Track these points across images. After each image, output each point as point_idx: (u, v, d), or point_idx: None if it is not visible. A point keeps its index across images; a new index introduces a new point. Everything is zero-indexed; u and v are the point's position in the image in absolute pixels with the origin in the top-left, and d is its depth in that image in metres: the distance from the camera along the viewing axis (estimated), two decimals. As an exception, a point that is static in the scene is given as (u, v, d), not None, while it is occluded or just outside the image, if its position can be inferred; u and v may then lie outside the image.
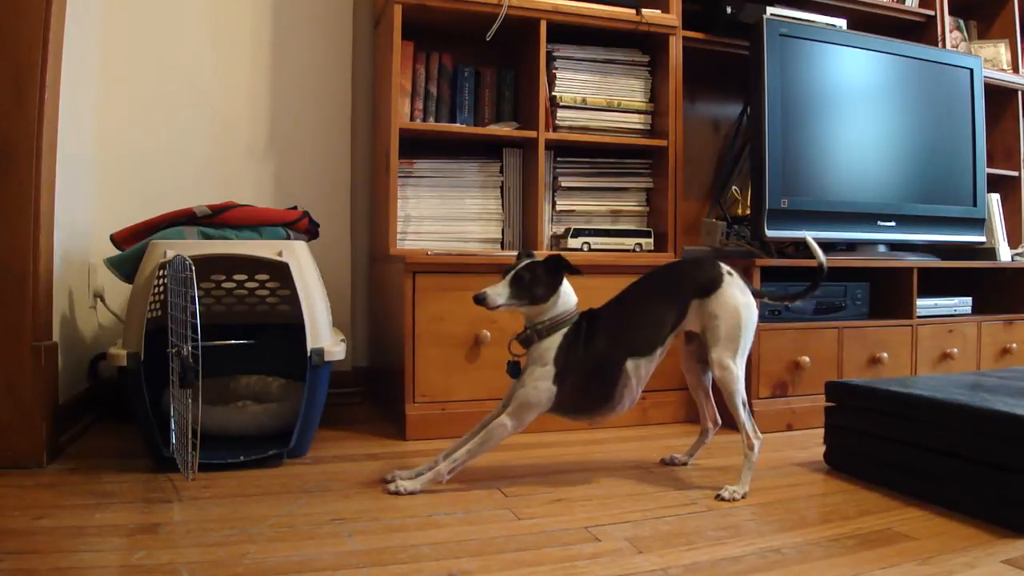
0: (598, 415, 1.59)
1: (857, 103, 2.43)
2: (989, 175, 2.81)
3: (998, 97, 3.04)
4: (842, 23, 2.52)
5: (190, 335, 1.47)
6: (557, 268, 1.53)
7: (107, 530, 1.27)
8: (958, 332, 2.49)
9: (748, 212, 2.52)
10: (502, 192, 2.37)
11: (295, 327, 1.76)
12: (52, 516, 1.33)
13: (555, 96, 2.29)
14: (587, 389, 1.56)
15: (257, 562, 1.15)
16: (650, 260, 2.24)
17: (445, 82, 2.34)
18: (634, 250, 2.35)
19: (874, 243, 2.49)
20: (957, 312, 2.55)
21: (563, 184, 2.38)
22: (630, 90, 2.40)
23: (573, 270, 1.53)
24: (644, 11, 2.31)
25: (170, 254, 1.64)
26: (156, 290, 1.72)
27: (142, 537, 1.24)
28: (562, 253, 1.82)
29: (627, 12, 2.29)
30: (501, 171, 2.37)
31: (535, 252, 1.62)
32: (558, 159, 2.39)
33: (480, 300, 1.49)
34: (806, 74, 2.33)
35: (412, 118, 2.28)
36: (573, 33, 2.31)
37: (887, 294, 2.45)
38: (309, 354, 1.72)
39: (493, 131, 2.28)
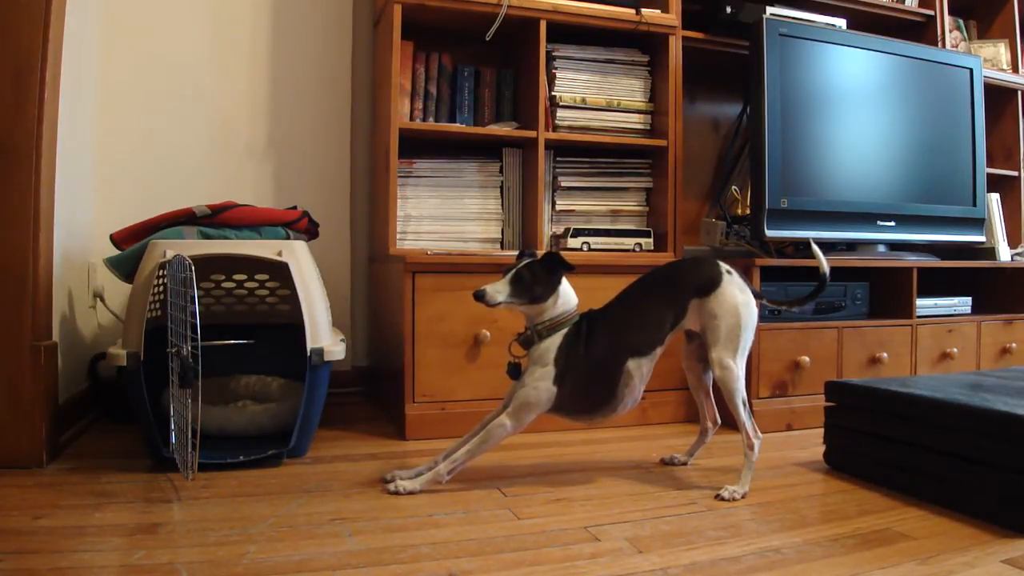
0: (599, 415, 1.59)
1: (857, 103, 2.43)
2: (989, 175, 2.81)
3: (998, 97, 3.04)
4: (842, 23, 2.52)
5: (190, 335, 1.47)
6: (554, 266, 1.54)
7: (107, 530, 1.27)
8: (958, 332, 2.49)
9: (748, 212, 2.52)
10: (502, 192, 2.37)
11: (295, 327, 1.76)
12: (52, 516, 1.33)
13: (555, 96, 2.29)
14: (588, 389, 1.56)
15: (257, 562, 1.15)
16: (650, 260, 2.23)
17: (445, 82, 2.34)
18: (634, 250, 2.35)
19: (874, 243, 2.49)
20: (957, 312, 2.55)
21: (563, 184, 2.38)
22: (630, 90, 2.40)
23: (568, 267, 1.53)
24: (644, 11, 2.31)
25: (170, 254, 1.64)
26: (156, 290, 1.72)
27: (142, 537, 1.24)
28: (557, 250, 1.82)
29: (627, 12, 2.29)
30: (501, 171, 2.37)
31: (536, 252, 1.62)
32: (558, 159, 2.39)
33: (479, 297, 1.49)
34: (806, 74, 2.33)
35: (412, 118, 2.28)
36: (573, 33, 2.31)
37: (887, 294, 2.45)
38: (309, 354, 1.72)
39: (493, 131, 2.28)
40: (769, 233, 2.27)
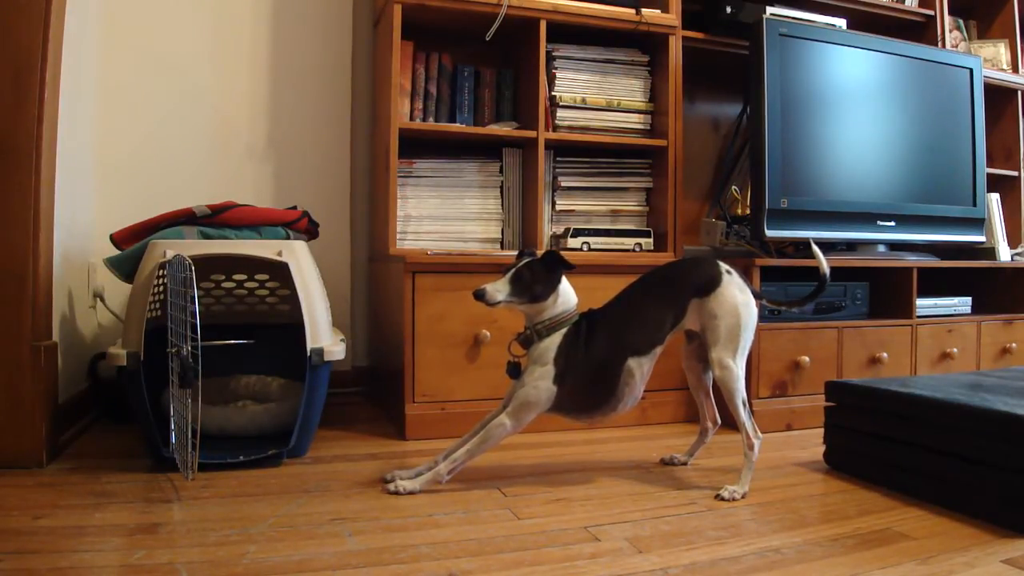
0: (599, 415, 1.59)
1: (857, 103, 2.43)
2: (989, 175, 2.81)
3: (998, 97, 3.04)
4: (842, 23, 2.52)
5: (190, 335, 1.47)
6: (554, 264, 1.54)
7: (107, 530, 1.27)
8: (958, 332, 2.49)
9: (748, 212, 2.52)
10: (502, 192, 2.37)
11: (295, 327, 1.76)
12: (52, 516, 1.33)
13: (555, 96, 2.29)
14: (588, 389, 1.56)
15: (257, 562, 1.15)
16: (650, 260, 2.23)
17: (445, 82, 2.34)
18: (634, 250, 2.35)
19: (874, 243, 2.49)
20: (957, 312, 2.55)
21: (563, 184, 2.38)
22: (630, 90, 2.40)
23: (568, 265, 1.53)
24: (644, 11, 2.31)
25: (170, 254, 1.64)
26: (156, 290, 1.72)
27: (142, 537, 1.24)
28: (556, 249, 1.81)
29: (627, 12, 2.29)
30: (501, 171, 2.37)
31: (536, 251, 1.62)
32: (558, 159, 2.39)
33: (479, 296, 1.49)
34: (806, 74, 2.33)
35: (412, 118, 2.28)
36: (573, 33, 2.31)
37: (887, 294, 2.45)
38: (309, 354, 1.72)
39: (493, 131, 2.28)
40: (769, 233, 2.27)
